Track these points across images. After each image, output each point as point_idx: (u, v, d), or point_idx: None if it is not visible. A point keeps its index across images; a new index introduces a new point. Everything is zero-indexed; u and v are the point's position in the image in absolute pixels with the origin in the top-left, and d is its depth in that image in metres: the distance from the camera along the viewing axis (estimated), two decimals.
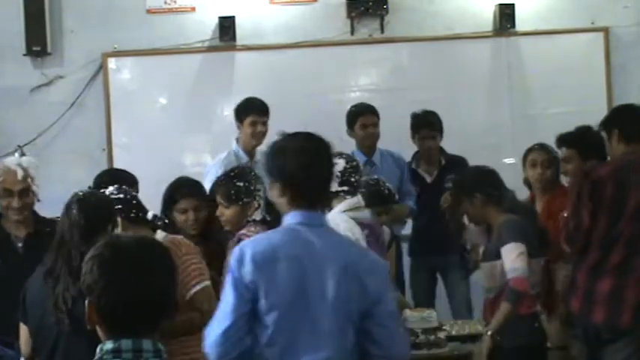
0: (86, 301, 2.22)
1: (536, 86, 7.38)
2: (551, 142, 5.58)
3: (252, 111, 6.19)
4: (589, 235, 4.40)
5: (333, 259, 3.06)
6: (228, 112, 7.17)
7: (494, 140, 7.33)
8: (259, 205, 4.44)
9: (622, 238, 4.34)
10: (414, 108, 6.70)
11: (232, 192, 4.44)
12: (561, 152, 5.33)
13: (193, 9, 7.31)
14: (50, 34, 7.17)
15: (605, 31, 7.41)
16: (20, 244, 4.60)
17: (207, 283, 4.01)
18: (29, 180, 4.60)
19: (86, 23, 7.25)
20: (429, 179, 6.50)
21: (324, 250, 3.06)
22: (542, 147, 5.59)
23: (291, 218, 3.12)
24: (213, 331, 3.02)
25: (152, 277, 2.20)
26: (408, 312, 5.06)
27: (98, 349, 2.20)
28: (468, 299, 6.38)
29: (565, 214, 4.65)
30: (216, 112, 7.01)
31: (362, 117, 6.37)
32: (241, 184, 4.44)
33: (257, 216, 4.43)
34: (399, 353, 3.17)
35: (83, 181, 7.00)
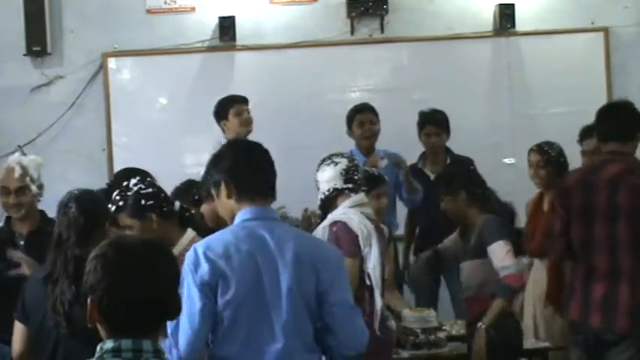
0: (88, 300, 2.21)
1: (536, 86, 7.38)
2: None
3: (233, 102, 6.22)
4: (568, 243, 4.35)
5: (286, 250, 3.11)
6: None
7: (495, 140, 7.33)
8: None
9: (600, 241, 4.26)
10: (414, 108, 6.69)
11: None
12: (584, 145, 5.45)
13: (193, 9, 7.32)
14: (50, 34, 7.17)
15: (605, 31, 7.41)
16: (22, 242, 4.63)
17: None
18: (27, 179, 4.64)
19: (86, 23, 7.26)
20: (432, 177, 6.51)
21: (276, 243, 3.11)
22: (539, 148, 5.63)
23: (241, 215, 3.17)
24: (185, 333, 3.04)
25: (155, 279, 2.19)
26: (407, 312, 5.06)
27: (98, 348, 2.20)
28: None
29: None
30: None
31: (359, 114, 6.36)
32: None
33: None
34: (353, 344, 3.23)
35: (83, 181, 7.03)
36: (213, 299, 3.04)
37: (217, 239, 3.14)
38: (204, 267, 3.04)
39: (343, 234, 4.14)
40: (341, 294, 3.16)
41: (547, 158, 5.55)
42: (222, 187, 3.19)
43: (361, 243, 4.15)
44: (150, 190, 3.93)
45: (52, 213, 4.66)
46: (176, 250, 3.83)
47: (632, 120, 4.43)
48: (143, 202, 3.88)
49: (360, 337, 3.26)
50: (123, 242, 2.27)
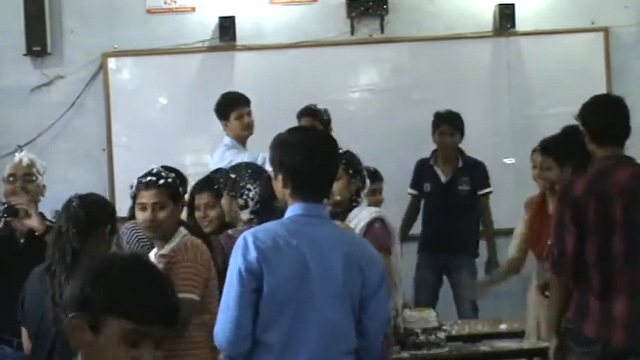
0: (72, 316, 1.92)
1: (536, 86, 7.38)
2: None
3: (235, 105, 6.23)
4: (580, 260, 4.04)
5: (336, 248, 3.10)
6: None
7: (495, 140, 7.33)
8: (245, 203, 4.35)
9: (618, 255, 3.99)
10: (414, 108, 6.70)
11: (222, 180, 4.47)
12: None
13: (193, 9, 7.32)
14: (50, 34, 7.17)
15: (605, 31, 7.41)
16: (22, 240, 4.64)
17: (189, 295, 3.76)
18: (34, 169, 4.76)
19: (86, 23, 7.26)
20: (443, 179, 6.54)
21: (327, 242, 3.11)
22: (541, 148, 5.57)
23: (292, 210, 3.16)
24: (222, 323, 3.07)
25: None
26: (407, 312, 5.06)
27: None
28: (474, 300, 6.40)
29: (549, 242, 4.40)
30: None
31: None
32: (233, 176, 4.43)
33: (244, 216, 4.35)
34: (377, 352, 3.23)
35: (83, 181, 7.06)
36: (256, 287, 3.03)
37: (266, 230, 3.14)
38: (253, 254, 3.04)
39: (384, 231, 4.22)
40: (382, 302, 3.18)
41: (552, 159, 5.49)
42: (280, 177, 3.18)
43: (394, 240, 4.27)
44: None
45: (51, 212, 4.71)
46: (168, 247, 3.85)
47: (628, 120, 4.17)
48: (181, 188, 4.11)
49: (381, 347, 3.28)
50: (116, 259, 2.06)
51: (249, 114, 6.19)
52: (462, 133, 6.60)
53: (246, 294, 3.03)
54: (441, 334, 4.98)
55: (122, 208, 6.88)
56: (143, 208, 3.93)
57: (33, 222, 4.52)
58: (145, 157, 6.95)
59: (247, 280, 3.03)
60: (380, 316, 3.18)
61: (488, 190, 6.65)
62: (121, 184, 7.03)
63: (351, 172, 4.31)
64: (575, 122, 4.33)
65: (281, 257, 3.05)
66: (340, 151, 4.39)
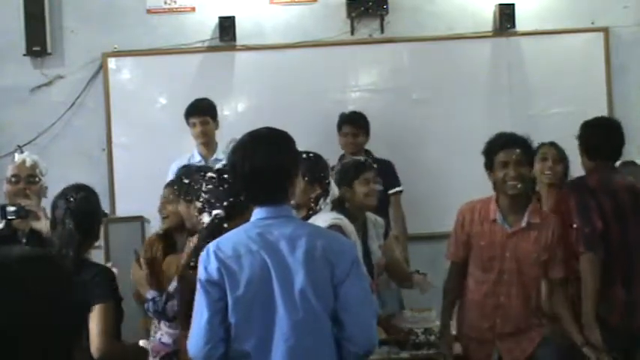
0: None
1: (536, 86, 7.38)
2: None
3: (189, 113, 6.48)
4: (606, 241, 4.44)
5: (297, 247, 3.10)
6: (229, 112, 7.19)
7: None
8: (203, 206, 4.31)
9: (634, 244, 4.44)
10: (414, 108, 6.69)
11: (176, 187, 4.47)
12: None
13: (193, 9, 7.31)
14: (50, 34, 7.17)
15: (605, 31, 7.41)
16: (24, 240, 4.65)
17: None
18: (37, 170, 4.81)
19: (86, 23, 7.26)
20: None
21: (288, 241, 3.11)
22: (552, 143, 5.63)
23: (255, 214, 3.20)
24: (193, 334, 3.09)
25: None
26: (407, 312, 5.06)
27: None
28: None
29: (574, 225, 4.57)
30: None
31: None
32: (187, 180, 4.43)
33: (205, 218, 4.30)
34: (361, 340, 3.13)
35: (83, 181, 7.03)
36: (220, 297, 3.07)
37: (228, 239, 3.17)
38: (214, 265, 3.08)
39: None
40: (353, 288, 3.12)
41: (562, 155, 5.54)
42: (237, 183, 3.23)
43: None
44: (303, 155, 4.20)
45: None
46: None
47: (619, 142, 4.74)
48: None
49: (369, 335, 3.16)
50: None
51: (201, 123, 6.42)
52: (366, 133, 6.58)
53: (212, 304, 3.07)
54: None
55: (122, 208, 6.95)
56: None
57: (41, 225, 4.55)
58: (145, 157, 6.97)
59: (211, 291, 3.07)
60: (352, 303, 3.10)
61: (398, 189, 6.61)
62: (121, 184, 7.06)
63: (306, 178, 4.27)
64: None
65: (241, 265, 3.08)
66: (305, 156, 4.39)
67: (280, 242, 3.11)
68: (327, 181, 4.39)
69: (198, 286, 3.11)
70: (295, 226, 3.18)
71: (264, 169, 3.14)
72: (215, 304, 3.07)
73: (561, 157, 5.55)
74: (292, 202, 3.39)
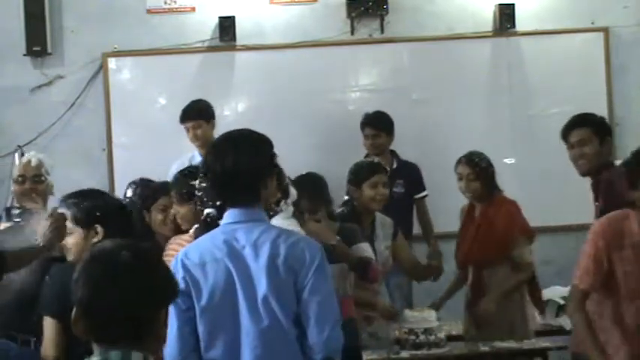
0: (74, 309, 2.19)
1: (536, 86, 7.38)
2: (550, 142, 5.57)
3: (183, 118, 6.52)
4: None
5: (261, 254, 3.06)
6: (229, 112, 7.20)
7: (495, 140, 7.31)
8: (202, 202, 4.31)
9: None
10: (414, 108, 6.69)
11: (185, 191, 4.42)
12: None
13: (193, 9, 7.31)
14: (50, 34, 7.17)
15: (605, 31, 7.41)
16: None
17: None
18: (43, 170, 4.83)
19: (86, 23, 7.26)
20: None
21: (251, 247, 3.08)
22: (468, 160, 5.46)
23: (225, 218, 3.16)
24: (167, 347, 3.05)
25: (137, 292, 2.15)
26: (407, 312, 5.06)
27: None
28: (409, 297, 6.37)
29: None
30: (216, 112, 6.98)
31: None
32: (195, 183, 4.41)
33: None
34: (323, 346, 3.05)
35: (83, 181, 7.02)
36: (187, 307, 3.06)
37: (197, 246, 3.16)
38: (180, 273, 3.06)
39: None
40: (315, 294, 3.06)
41: (478, 170, 5.41)
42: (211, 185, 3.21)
43: None
44: None
45: None
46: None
47: None
48: None
49: (330, 341, 3.06)
50: (106, 255, 2.21)
51: (194, 127, 6.48)
52: (388, 133, 6.53)
53: (180, 314, 3.05)
54: (441, 334, 4.99)
55: None
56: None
57: None
58: (145, 157, 6.97)
59: (179, 301, 3.01)
60: (313, 309, 3.04)
61: (424, 193, 6.61)
62: (121, 184, 7.04)
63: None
64: None
65: (206, 274, 3.06)
66: None
67: (245, 249, 3.08)
68: (285, 183, 4.30)
69: None
70: (261, 232, 3.11)
71: (235, 170, 3.10)
72: (184, 314, 3.05)
73: (478, 173, 5.40)
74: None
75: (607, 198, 4.42)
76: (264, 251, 3.07)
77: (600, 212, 4.40)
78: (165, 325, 2.27)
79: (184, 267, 3.07)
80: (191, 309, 3.06)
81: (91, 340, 2.18)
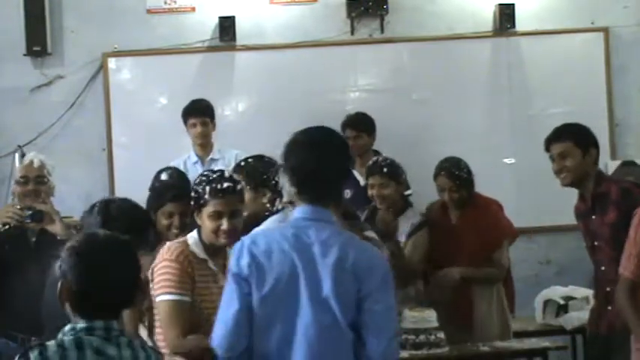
0: (59, 283, 2.59)
1: (536, 86, 7.38)
2: None
3: (189, 113, 6.50)
4: None
5: (329, 254, 3.06)
6: (229, 112, 7.20)
7: (494, 140, 7.32)
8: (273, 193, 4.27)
9: None
10: (414, 108, 6.69)
11: (246, 179, 4.27)
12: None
13: (193, 9, 7.32)
14: (50, 34, 7.17)
15: (605, 31, 7.41)
16: (34, 239, 4.66)
17: (167, 297, 3.78)
18: (45, 171, 4.83)
19: (86, 23, 7.26)
20: (362, 182, 6.36)
21: (320, 246, 3.07)
22: (448, 172, 5.49)
23: (296, 213, 3.17)
24: (219, 326, 3.07)
25: (119, 270, 2.61)
26: (407, 312, 5.06)
27: (68, 327, 2.56)
28: None
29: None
30: (216, 112, 6.99)
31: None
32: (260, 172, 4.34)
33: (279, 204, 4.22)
34: (381, 357, 3.06)
35: (83, 181, 7.06)
36: (248, 292, 3.04)
37: (264, 235, 3.17)
38: (245, 259, 3.05)
39: None
40: (377, 304, 3.06)
41: (459, 183, 5.45)
42: (287, 176, 3.16)
43: None
44: None
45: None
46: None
47: None
48: None
49: (387, 353, 3.07)
50: (93, 237, 2.68)
51: (202, 124, 6.47)
52: (369, 134, 6.53)
53: (242, 297, 3.04)
54: (441, 334, 4.98)
55: None
56: (219, 216, 3.85)
57: (56, 228, 4.56)
58: (145, 157, 6.97)
59: (240, 284, 3.04)
60: (374, 320, 3.05)
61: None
62: (121, 184, 7.06)
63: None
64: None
65: (271, 263, 3.05)
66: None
67: (314, 246, 3.07)
68: (273, 182, 4.23)
69: (228, 277, 3.08)
70: (331, 232, 3.13)
71: (320, 167, 3.12)
72: (245, 298, 3.04)
73: (460, 185, 5.45)
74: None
75: (625, 206, 4.36)
76: (333, 252, 3.07)
77: (612, 225, 4.46)
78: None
79: (250, 253, 3.06)
80: (251, 295, 3.04)
81: (76, 313, 2.58)
